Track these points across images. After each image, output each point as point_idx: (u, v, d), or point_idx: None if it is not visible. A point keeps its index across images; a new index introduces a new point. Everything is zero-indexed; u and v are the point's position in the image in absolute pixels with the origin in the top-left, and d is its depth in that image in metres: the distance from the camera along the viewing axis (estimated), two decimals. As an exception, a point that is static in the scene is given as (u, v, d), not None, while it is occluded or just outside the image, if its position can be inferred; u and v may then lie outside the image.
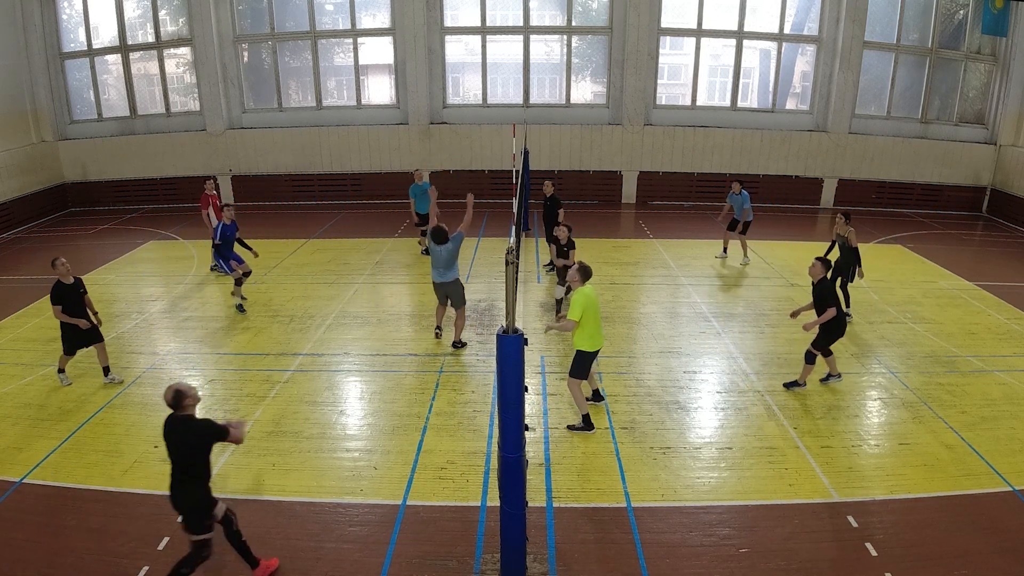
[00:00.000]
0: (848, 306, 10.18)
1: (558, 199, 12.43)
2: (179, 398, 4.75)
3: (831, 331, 7.82)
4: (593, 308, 6.83)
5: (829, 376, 8.23)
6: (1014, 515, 5.90)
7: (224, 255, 10.71)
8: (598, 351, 7.08)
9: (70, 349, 8.14)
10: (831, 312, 7.63)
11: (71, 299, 7.90)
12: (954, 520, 5.85)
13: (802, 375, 8.09)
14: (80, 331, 8.00)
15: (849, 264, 10.15)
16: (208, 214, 12.58)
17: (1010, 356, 9.19)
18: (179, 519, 4.91)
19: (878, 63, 18.27)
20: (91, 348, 8.23)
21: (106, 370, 8.38)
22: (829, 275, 8.06)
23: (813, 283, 7.91)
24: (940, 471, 6.52)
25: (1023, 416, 7.54)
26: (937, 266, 13.19)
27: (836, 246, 10.41)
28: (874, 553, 5.41)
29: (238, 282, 10.70)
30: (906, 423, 7.41)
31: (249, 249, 10.99)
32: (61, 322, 7.94)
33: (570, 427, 7.22)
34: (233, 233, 10.77)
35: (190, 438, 4.75)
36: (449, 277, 9.00)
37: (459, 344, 9.28)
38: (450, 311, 9.51)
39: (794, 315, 8.29)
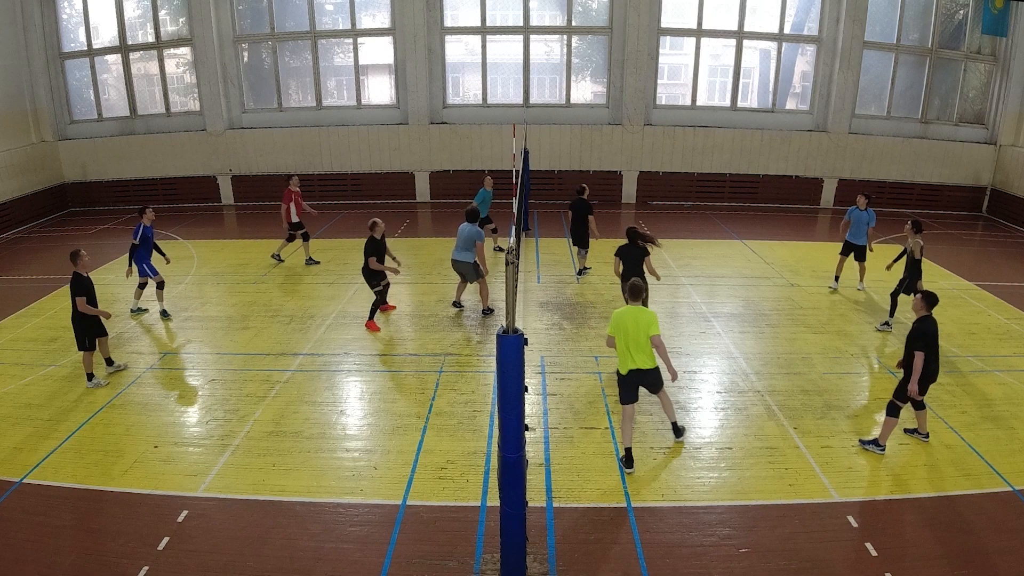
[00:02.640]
0: (892, 315, 9.81)
1: (588, 204, 11.87)
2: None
3: (923, 376, 6.49)
4: (622, 329, 6.37)
5: (874, 443, 6.90)
6: (1014, 515, 5.90)
7: (141, 258, 10.22)
8: (631, 373, 6.47)
9: (91, 344, 8.20)
10: (919, 359, 6.39)
11: (92, 292, 8.06)
12: (954, 520, 5.85)
13: (883, 434, 6.82)
14: (97, 324, 8.16)
15: (912, 275, 9.49)
16: (289, 209, 12.76)
17: (1010, 356, 9.19)
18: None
19: (878, 63, 18.26)
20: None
21: (109, 361, 8.51)
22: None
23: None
24: (940, 471, 6.52)
25: (1023, 416, 7.54)
26: (937, 266, 13.18)
27: (905, 256, 9.73)
28: (874, 553, 5.41)
29: (160, 285, 10.37)
30: (906, 423, 7.40)
31: (162, 255, 10.62)
32: (79, 317, 8.01)
33: (619, 459, 6.70)
34: (152, 235, 10.38)
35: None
36: (461, 257, 10.13)
37: (488, 311, 10.43)
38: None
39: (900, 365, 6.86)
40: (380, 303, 10.02)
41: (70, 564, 5.31)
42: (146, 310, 10.72)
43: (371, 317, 9.92)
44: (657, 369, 6.54)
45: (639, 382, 6.55)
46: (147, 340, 9.73)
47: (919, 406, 6.84)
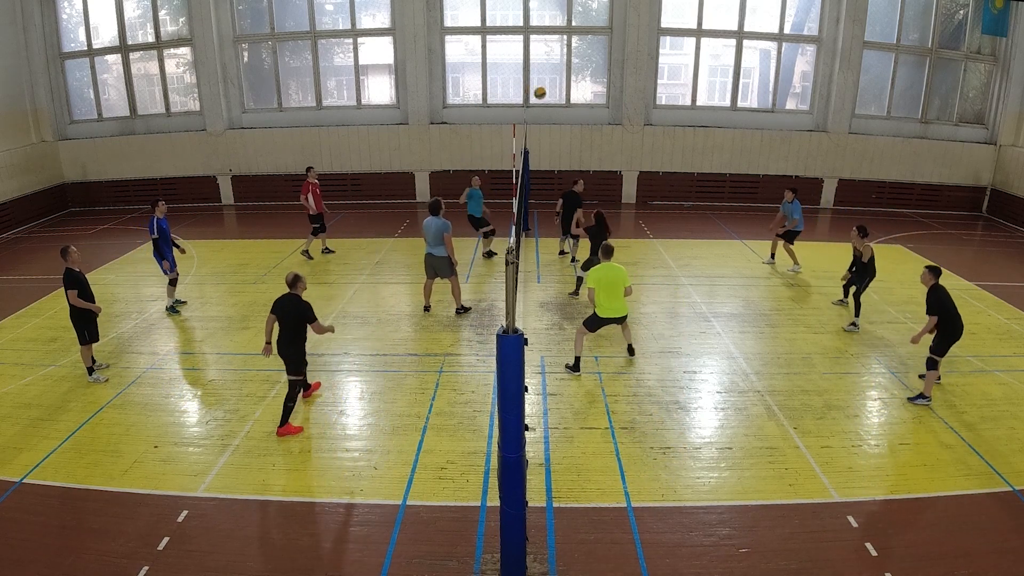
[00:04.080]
0: (858, 315, 10.00)
1: (579, 197, 12.37)
2: (296, 280, 7.15)
3: (946, 335, 7.59)
4: (604, 283, 8.13)
5: (921, 397, 7.81)
6: (1014, 515, 5.91)
7: (161, 252, 10.23)
8: (611, 319, 8.35)
9: (92, 335, 8.26)
10: (931, 320, 7.48)
11: (84, 286, 8.12)
12: (954, 520, 5.85)
13: (926, 387, 7.78)
14: (93, 319, 8.21)
15: (863, 275, 9.94)
16: (307, 198, 12.90)
17: (1010, 356, 9.19)
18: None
19: (878, 63, 18.26)
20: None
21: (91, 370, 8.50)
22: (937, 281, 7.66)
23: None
24: (940, 471, 6.52)
25: (1023, 416, 7.54)
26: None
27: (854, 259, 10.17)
28: (874, 553, 5.42)
29: (172, 283, 10.53)
30: (906, 423, 7.41)
31: (177, 247, 10.65)
32: (75, 313, 8.06)
33: (566, 366, 8.54)
34: (167, 227, 10.38)
35: (296, 310, 7.00)
36: (436, 252, 10.05)
37: (462, 310, 10.36)
38: (442, 284, 10.58)
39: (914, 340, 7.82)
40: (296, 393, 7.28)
41: (70, 564, 5.31)
42: (184, 302, 10.86)
43: (287, 419, 7.22)
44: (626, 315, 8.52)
45: (611, 323, 8.50)
46: (147, 340, 9.72)
47: (931, 365, 7.74)
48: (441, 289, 11.37)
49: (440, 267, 10.14)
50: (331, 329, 7.42)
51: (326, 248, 13.77)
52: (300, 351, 7.16)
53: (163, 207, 10.43)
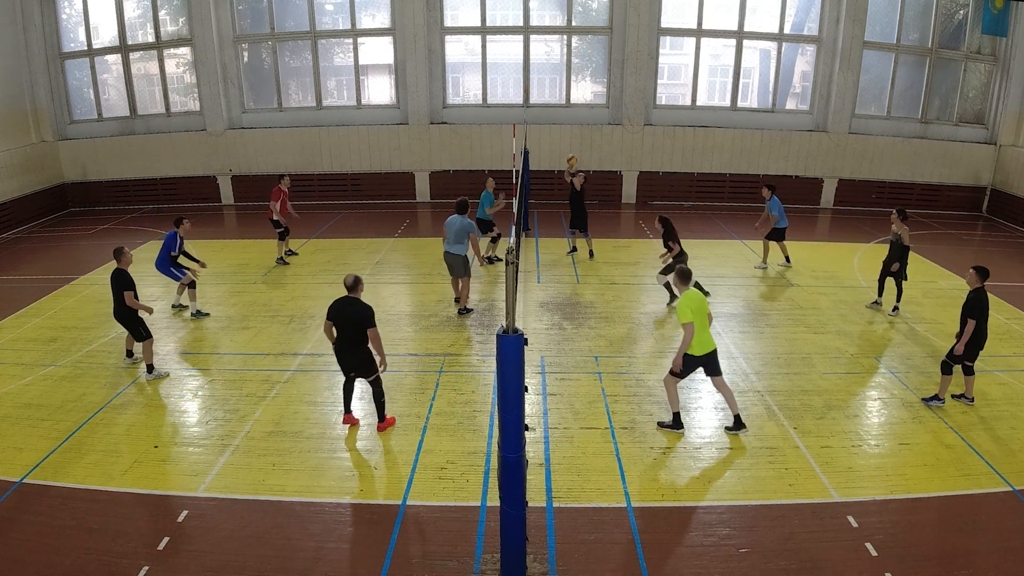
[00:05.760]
0: (896, 306, 10.51)
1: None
2: (356, 283, 6.85)
3: (972, 343, 7.35)
4: (700, 312, 6.75)
5: (936, 398, 7.75)
6: (1014, 515, 5.91)
7: (166, 263, 10.23)
8: (707, 353, 6.83)
9: (147, 332, 8.41)
10: (970, 325, 7.23)
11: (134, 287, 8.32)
12: (954, 520, 5.85)
13: (941, 389, 7.72)
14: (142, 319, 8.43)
15: (898, 261, 10.22)
16: (274, 206, 12.72)
17: (1010, 356, 9.19)
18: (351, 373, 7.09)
19: (878, 63, 18.26)
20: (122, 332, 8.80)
21: (130, 352, 8.79)
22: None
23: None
24: (940, 471, 6.52)
25: (1023, 416, 7.54)
26: (937, 266, 13.19)
27: (890, 244, 10.45)
28: (874, 553, 5.41)
29: (192, 285, 10.38)
30: (906, 423, 7.41)
31: (196, 260, 10.58)
32: (128, 314, 8.25)
33: (660, 424, 7.26)
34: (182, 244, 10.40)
35: (357, 314, 6.75)
36: (453, 250, 10.10)
37: (465, 311, 10.35)
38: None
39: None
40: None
41: (70, 564, 5.30)
42: (208, 314, 10.52)
43: (383, 414, 7.30)
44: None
45: (707, 362, 6.90)
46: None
47: (969, 371, 7.60)
48: (444, 289, 11.39)
49: (456, 265, 10.23)
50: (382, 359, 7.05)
51: (289, 251, 13.46)
52: (366, 354, 6.93)
53: (187, 226, 10.39)
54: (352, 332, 6.82)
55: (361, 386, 7.39)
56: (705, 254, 13.83)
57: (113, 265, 8.31)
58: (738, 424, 7.13)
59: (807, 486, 6.28)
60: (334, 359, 9.00)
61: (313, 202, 18.88)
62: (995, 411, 7.65)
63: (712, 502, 6.09)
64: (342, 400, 7.34)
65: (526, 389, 4.60)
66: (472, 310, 10.52)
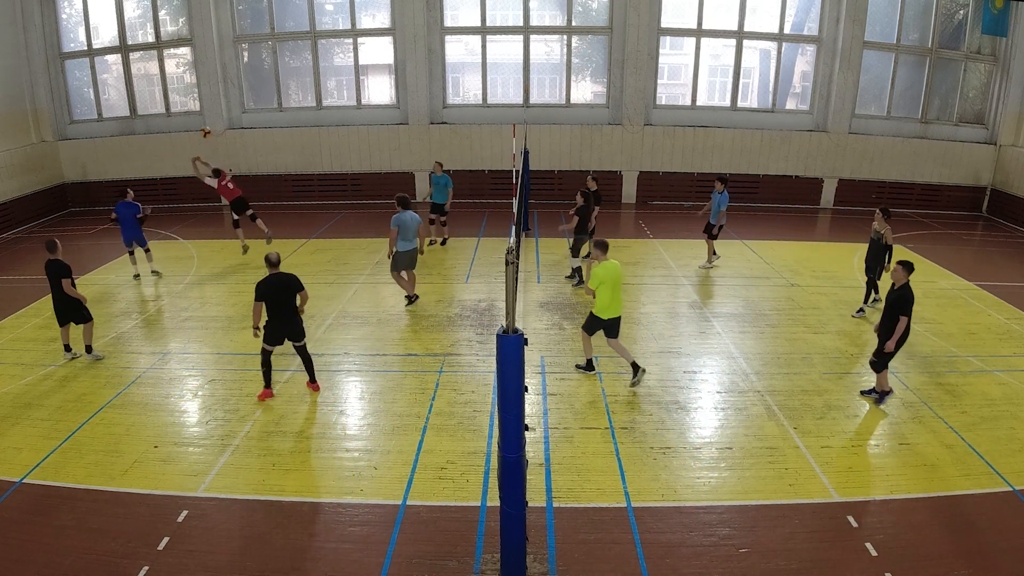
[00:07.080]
0: (875, 298, 10.48)
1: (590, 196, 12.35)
2: (279, 258, 7.54)
3: (903, 337, 7.44)
4: (610, 281, 7.64)
5: (874, 391, 7.86)
6: (1014, 515, 5.91)
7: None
8: (611, 319, 7.88)
9: (88, 314, 8.90)
10: (902, 322, 7.26)
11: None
12: (954, 520, 5.85)
13: (879, 383, 7.76)
14: (80, 307, 8.83)
15: (878, 259, 10.20)
16: (209, 177, 13.66)
17: (1010, 356, 9.19)
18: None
19: (878, 63, 18.26)
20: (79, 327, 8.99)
21: (89, 348, 8.97)
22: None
23: (893, 287, 7.49)
24: (940, 471, 6.52)
25: (1023, 416, 7.54)
26: (937, 266, 13.20)
27: (870, 242, 10.40)
28: (874, 553, 5.42)
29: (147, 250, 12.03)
30: (906, 423, 7.41)
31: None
32: (68, 300, 8.66)
33: (576, 366, 8.45)
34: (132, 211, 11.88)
35: (292, 282, 7.49)
36: (414, 244, 10.53)
37: (415, 298, 10.83)
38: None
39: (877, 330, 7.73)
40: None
41: (70, 564, 5.31)
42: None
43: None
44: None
45: (611, 325, 7.94)
46: (147, 340, 9.73)
47: (881, 368, 7.69)
48: (443, 289, 11.40)
49: (413, 259, 10.64)
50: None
51: (245, 246, 13.87)
52: (300, 320, 7.79)
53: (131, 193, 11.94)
54: (289, 299, 7.55)
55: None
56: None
57: (46, 256, 8.68)
58: (635, 370, 8.04)
59: (807, 486, 6.28)
60: (334, 359, 9.10)
61: (313, 202, 18.90)
62: (995, 411, 7.65)
63: (712, 502, 6.09)
64: (263, 377, 7.80)
65: (526, 389, 4.60)
66: (418, 296, 10.89)
